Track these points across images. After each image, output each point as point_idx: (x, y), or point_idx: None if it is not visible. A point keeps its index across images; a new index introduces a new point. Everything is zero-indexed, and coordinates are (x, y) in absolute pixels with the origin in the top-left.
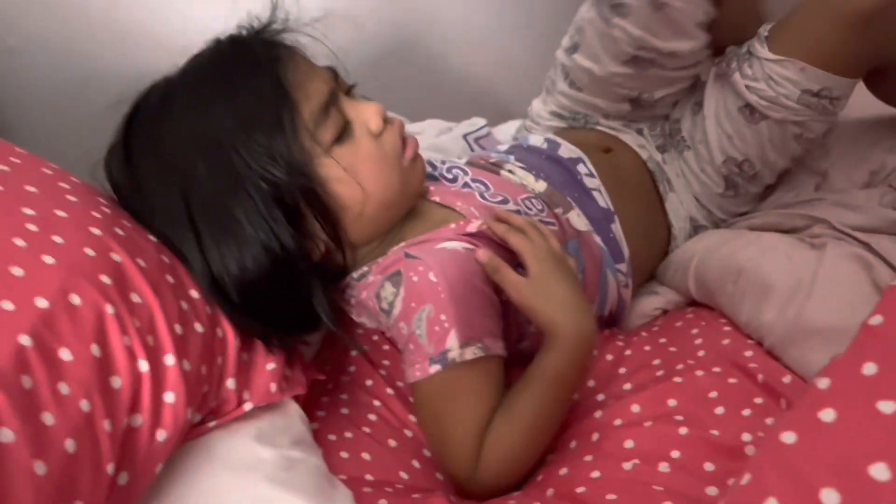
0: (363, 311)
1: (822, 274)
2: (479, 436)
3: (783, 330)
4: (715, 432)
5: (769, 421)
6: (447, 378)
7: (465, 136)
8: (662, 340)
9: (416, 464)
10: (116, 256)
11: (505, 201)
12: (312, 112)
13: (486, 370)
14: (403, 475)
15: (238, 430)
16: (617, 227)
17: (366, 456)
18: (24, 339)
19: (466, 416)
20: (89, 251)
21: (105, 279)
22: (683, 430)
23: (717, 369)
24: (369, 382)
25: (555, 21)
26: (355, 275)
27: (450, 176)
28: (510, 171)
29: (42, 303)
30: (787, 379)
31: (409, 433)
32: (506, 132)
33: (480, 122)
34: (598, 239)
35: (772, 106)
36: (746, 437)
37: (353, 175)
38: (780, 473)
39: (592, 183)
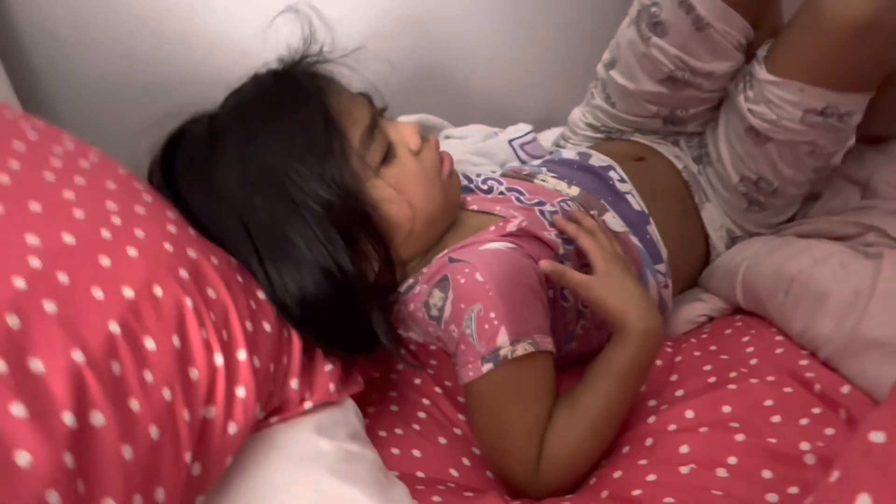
0: (412, 324)
1: (881, 285)
2: (538, 434)
3: (841, 342)
4: (772, 440)
5: (829, 431)
6: (501, 375)
7: (511, 142)
8: (713, 348)
9: (466, 461)
10: (192, 253)
11: (541, 203)
12: (360, 137)
13: (538, 366)
14: (454, 472)
15: (298, 422)
16: (653, 229)
17: (416, 453)
18: (114, 327)
19: (524, 414)
20: (168, 246)
21: (183, 273)
22: (740, 437)
23: (771, 378)
24: (418, 381)
25: (568, 33)
26: (402, 289)
27: (485, 187)
28: (543, 180)
29: (128, 292)
30: (845, 389)
31: (458, 431)
32: (550, 139)
33: (527, 127)
34: (635, 240)
35: (774, 129)
36: (805, 445)
37: (401, 193)
38: (871, 470)
39: (625, 187)
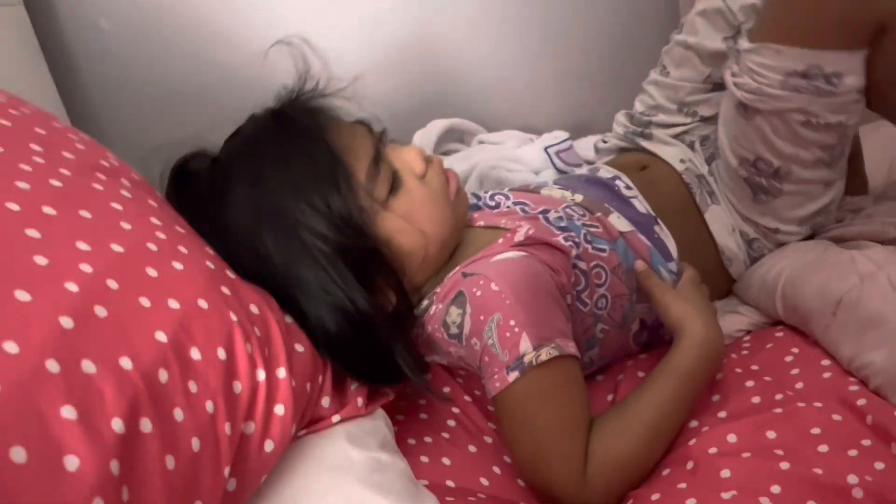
0: (432, 346)
1: None
2: (580, 436)
3: (895, 373)
4: (818, 471)
5: (879, 465)
6: (528, 382)
7: (546, 149)
8: (755, 367)
9: (497, 470)
10: (230, 273)
11: (546, 210)
12: (366, 171)
13: (566, 369)
14: (484, 482)
15: (328, 432)
16: (661, 228)
17: (446, 461)
18: (161, 335)
19: (560, 417)
20: (209, 264)
21: (225, 290)
22: (784, 465)
23: (818, 404)
24: (447, 389)
25: (568, 52)
26: (418, 311)
27: (492, 203)
28: (549, 192)
29: (174, 304)
30: None
31: (488, 439)
32: (586, 146)
33: (563, 135)
34: (643, 238)
35: (757, 98)
36: (852, 479)
37: (411, 222)
38: None
39: (630, 193)
